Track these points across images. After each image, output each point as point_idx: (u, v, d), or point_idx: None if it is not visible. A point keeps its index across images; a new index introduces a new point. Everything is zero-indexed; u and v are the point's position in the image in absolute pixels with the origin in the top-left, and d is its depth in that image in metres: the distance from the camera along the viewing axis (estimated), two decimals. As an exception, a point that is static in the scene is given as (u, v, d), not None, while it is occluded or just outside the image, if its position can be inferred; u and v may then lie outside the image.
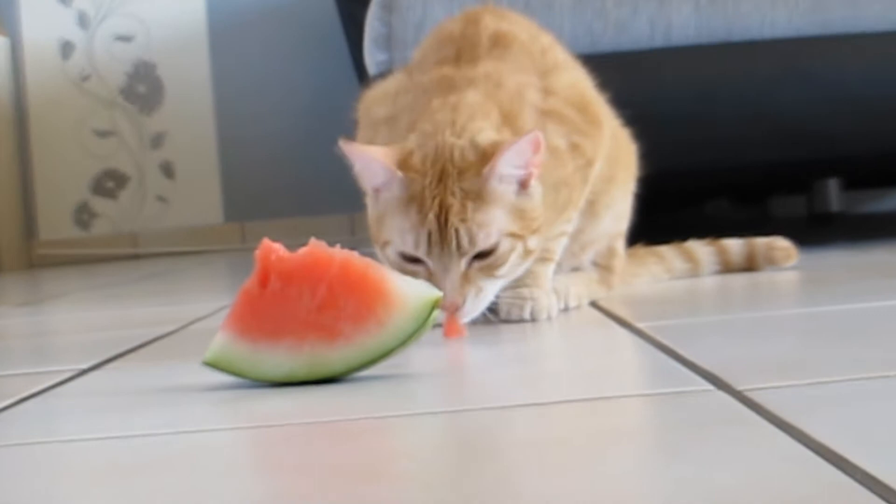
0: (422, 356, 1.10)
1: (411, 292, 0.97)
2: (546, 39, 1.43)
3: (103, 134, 3.74)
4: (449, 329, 1.17)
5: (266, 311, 0.96)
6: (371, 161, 1.20)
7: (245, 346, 0.96)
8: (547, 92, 1.35)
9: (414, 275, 1.16)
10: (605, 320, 1.25)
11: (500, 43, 1.37)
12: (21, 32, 3.70)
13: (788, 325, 1.12)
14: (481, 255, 1.19)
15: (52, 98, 3.71)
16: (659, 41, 1.92)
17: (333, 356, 0.95)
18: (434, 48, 1.40)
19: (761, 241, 1.66)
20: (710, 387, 0.82)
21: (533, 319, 1.28)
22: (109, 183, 3.74)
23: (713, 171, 2.05)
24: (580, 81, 1.41)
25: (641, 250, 1.61)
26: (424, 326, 0.96)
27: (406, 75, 1.41)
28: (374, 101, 1.40)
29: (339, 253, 0.97)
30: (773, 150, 1.96)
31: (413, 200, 1.19)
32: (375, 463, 0.68)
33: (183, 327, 1.47)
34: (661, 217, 1.64)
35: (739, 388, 0.80)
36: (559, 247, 1.36)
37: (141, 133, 3.74)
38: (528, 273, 1.29)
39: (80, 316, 1.78)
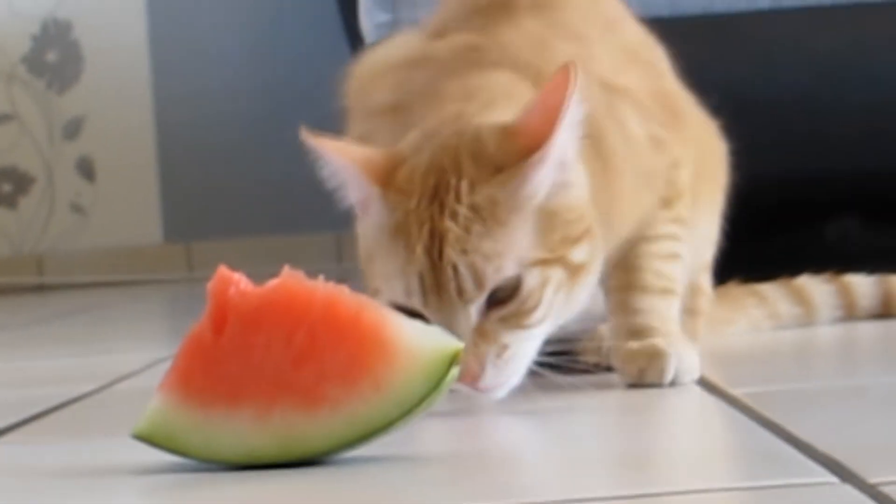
0: (433, 430, 1.10)
1: (422, 343, 0.96)
2: (612, 9, 1.42)
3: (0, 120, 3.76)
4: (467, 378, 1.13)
5: (222, 367, 0.96)
6: (343, 169, 1.17)
7: (192, 413, 0.96)
8: (618, 71, 1.34)
9: None
10: (689, 385, 1.25)
11: (544, 5, 1.37)
12: None
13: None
14: (500, 300, 1.14)
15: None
16: (764, 1, 1.93)
17: (314, 429, 0.95)
18: (457, 17, 1.39)
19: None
20: (834, 478, 0.82)
21: (675, 383, 1.24)
22: (6, 186, 3.76)
23: (837, 178, 2.05)
24: (658, 71, 1.41)
25: (736, 289, 1.61)
26: (439, 390, 0.96)
27: (420, 39, 1.39)
28: (372, 79, 1.38)
29: (323, 287, 0.98)
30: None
31: (398, 231, 1.15)
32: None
33: (105, 387, 1.48)
34: (762, 243, 1.64)
35: (871, 480, 0.80)
36: (676, 272, 1.33)
37: (50, 118, 3.76)
38: (651, 311, 1.28)
39: (-36, 369, 1.79)
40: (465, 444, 1.07)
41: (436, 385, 0.95)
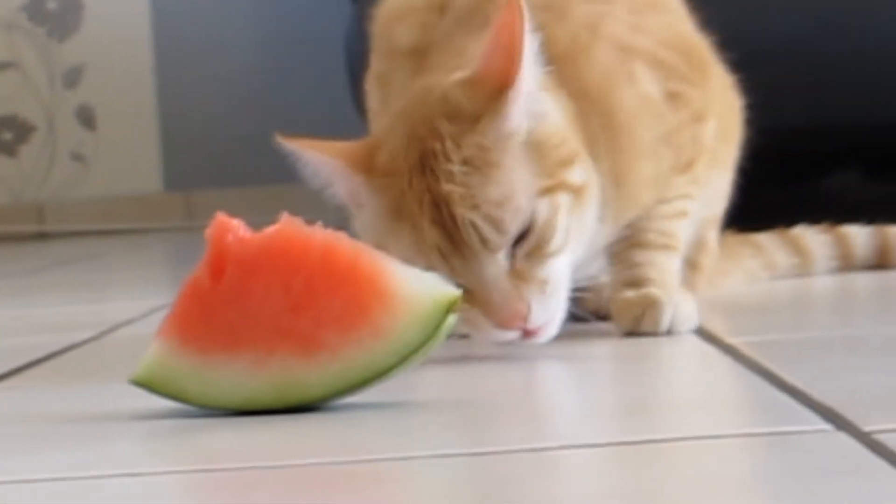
0: (431, 377, 1.10)
1: (419, 290, 0.97)
2: None
3: (0, 69, 3.75)
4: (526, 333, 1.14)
5: (220, 313, 0.96)
6: (324, 166, 1.17)
7: (190, 359, 0.96)
8: (636, 29, 1.34)
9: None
10: (686, 334, 1.26)
11: None
12: None
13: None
14: (519, 239, 1.15)
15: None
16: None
17: (311, 375, 0.96)
18: None
19: (897, 231, 1.66)
20: (828, 426, 0.82)
21: (671, 332, 1.24)
22: (7, 134, 3.76)
23: (841, 130, 2.05)
24: (680, 20, 1.41)
25: (732, 239, 1.61)
26: (436, 337, 0.96)
27: None
28: (397, 18, 1.39)
29: (321, 234, 0.98)
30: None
31: (399, 214, 1.16)
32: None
33: (104, 333, 1.48)
34: (765, 193, 1.64)
35: (866, 428, 0.80)
36: (681, 230, 1.34)
37: (51, 67, 3.75)
38: (650, 264, 1.29)
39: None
40: (462, 392, 1.07)
41: (433, 332, 0.95)
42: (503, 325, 1.13)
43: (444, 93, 1.17)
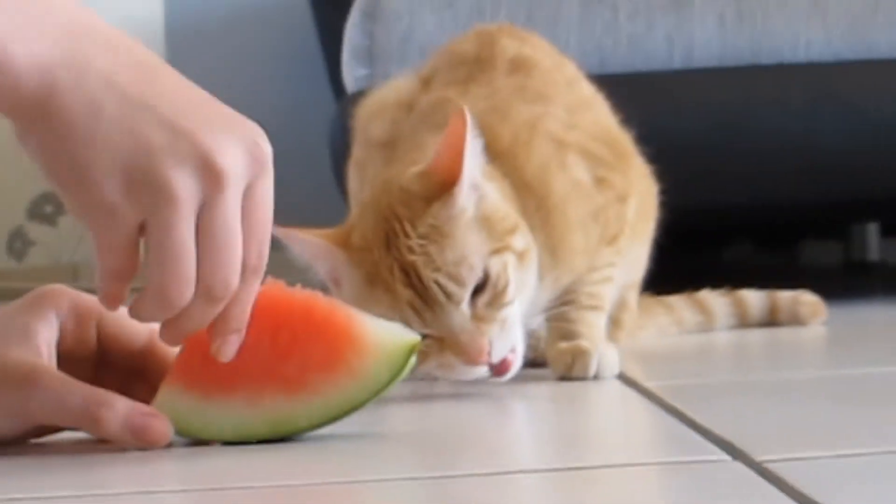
0: (398, 411, 1.10)
1: (385, 336, 0.96)
2: (571, 69, 1.45)
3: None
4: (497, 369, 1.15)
5: (217, 362, 0.95)
6: (309, 245, 1.19)
7: (194, 399, 0.96)
8: (570, 126, 1.35)
9: (429, 352, 1.15)
10: (610, 379, 1.25)
11: (520, 69, 1.38)
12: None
13: (815, 389, 1.13)
14: (477, 291, 1.16)
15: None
16: (678, 62, 1.93)
17: (297, 410, 0.95)
18: (445, 68, 1.41)
19: (785, 295, 1.67)
20: (726, 457, 0.82)
21: (597, 377, 1.24)
22: (48, 208, 3.75)
23: (736, 211, 2.05)
24: (606, 118, 1.42)
25: (648, 299, 1.62)
26: (400, 375, 0.96)
27: (414, 83, 1.41)
28: (372, 114, 1.41)
29: (300, 293, 0.98)
30: (806, 188, 1.97)
31: (374, 281, 1.17)
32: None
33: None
34: (674, 262, 1.64)
35: (758, 458, 0.80)
36: (606, 293, 1.34)
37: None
38: (581, 321, 1.28)
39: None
40: (424, 425, 1.06)
41: (398, 370, 0.95)
42: (472, 361, 1.14)
43: (401, 184, 1.19)
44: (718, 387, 1.16)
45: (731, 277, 1.70)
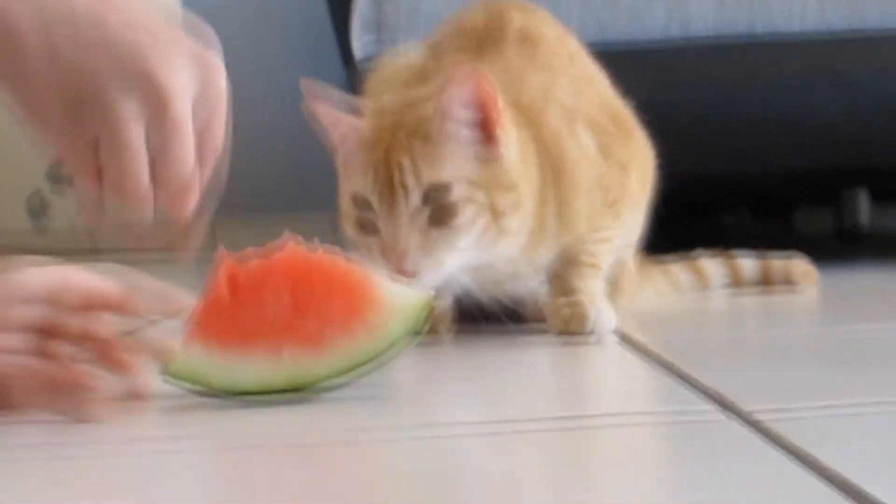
0: (405, 369, 1.11)
1: (400, 294, 0.98)
2: (573, 44, 1.45)
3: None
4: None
5: (238, 319, 0.96)
6: (335, 116, 1.22)
7: (216, 356, 0.96)
8: (577, 96, 1.36)
9: (368, 242, 1.18)
10: (606, 334, 1.26)
11: (527, 40, 1.38)
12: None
13: (805, 348, 1.14)
14: (436, 209, 1.18)
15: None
16: (675, 33, 1.94)
17: (316, 365, 0.96)
18: (454, 37, 1.42)
19: (778, 263, 1.67)
20: (718, 409, 0.83)
21: (594, 333, 1.25)
22: (66, 170, 3.75)
23: (732, 179, 2.06)
24: (608, 91, 1.43)
25: (646, 263, 1.62)
26: (416, 332, 0.97)
27: (424, 53, 1.42)
28: (385, 84, 1.41)
29: (319, 252, 0.98)
30: (800, 157, 1.97)
31: (365, 143, 1.20)
32: (349, 486, 0.69)
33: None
34: (674, 228, 1.65)
35: (749, 411, 0.81)
36: (604, 254, 1.34)
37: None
38: (579, 278, 1.29)
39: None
40: (426, 380, 1.07)
41: (413, 327, 0.96)
42: (383, 255, 1.16)
43: (425, 96, 1.23)
44: (712, 345, 1.17)
45: (728, 243, 1.70)
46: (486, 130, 1.21)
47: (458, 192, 1.18)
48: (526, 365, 1.13)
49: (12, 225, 3.73)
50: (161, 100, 0.87)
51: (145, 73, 0.87)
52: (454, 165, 1.19)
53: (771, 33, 1.94)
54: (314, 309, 0.96)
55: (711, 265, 1.65)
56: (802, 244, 1.74)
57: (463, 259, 1.20)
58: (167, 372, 0.96)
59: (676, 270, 1.64)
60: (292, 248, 0.98)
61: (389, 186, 1.18)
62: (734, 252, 1.67)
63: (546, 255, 1.29)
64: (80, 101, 0.87)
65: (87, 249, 3.71)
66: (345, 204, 1.23)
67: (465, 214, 1.18)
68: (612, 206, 1.35)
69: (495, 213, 1.20)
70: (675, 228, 1.62)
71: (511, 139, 1.23)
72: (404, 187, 1.17)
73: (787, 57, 1.94)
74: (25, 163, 3.72)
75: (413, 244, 1.17)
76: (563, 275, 1.30)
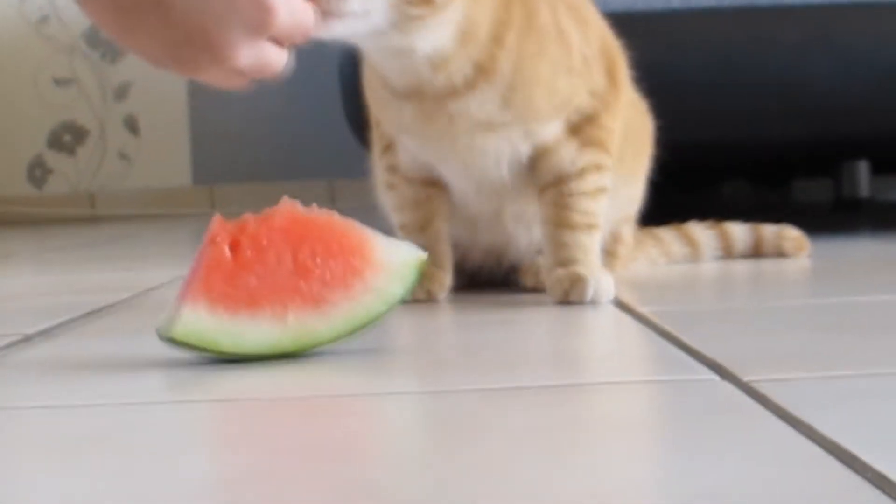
0: (403, 327, 1.11)
1: (395, 253, 1.00)
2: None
3: (62, 84, 3.73)
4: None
5: (241, 280, 0.96)
6: None
7: (221, 318, 0.96)
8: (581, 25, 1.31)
9: None
10: (605, 304, 1.26)
11: None
12: (-26, -34, 3.70)
13: (800, 316, 1.14)
14: None
15: (5, 44, 3.71)
16: (676, 3, 1.93)
17: (320, 324, 0.97)
18: None
19: (770, 229, 1.67)
20: (714, 376, 0.83)
21: (595, 302, 1.25)
22: (67, 137, 3.75)
23: (732, 148, 2.06)
24: (610, 39, 1.39)
25: (638, 232, 1.62)
26: (409, 289, 1.00)
27: None
28: None
29: (318, 214, 0.99)
30: (799, 127, 1.97)
31: None
32: (348, 442, 0.69)
33: (138, 295, 1.48)
34: (672, 197, 1.65)
35: (745, 378, 0.81)
36: (600, 208, 1.31)
37: (103, 83, 3.74)
38: (575, 245, 1.28)
39: (28, 279, 1.79)
40: (425, 342, 1.07)
41: (408, 285, 0.99)
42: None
43: None
44: (707, 313, 1.16)
45: (726, 213, 1.70)
46: None
47: None
48: (522, 329, 1.12)
49: (13, 191, 3.72)
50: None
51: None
52: None
53: (770, 2, 1.93)
54: (315, 270, 0.97)
55: (704, 235, 1.65)
56: (801, 215, 1.74)
57: (378, 19, 1.12)
58: (169, 336, 0.96)
59: (669, 239, 1.64)
60: (290, 209, 0.98)
61: None
62: (726, 222, 1.67)
63: (495, 110, 1.24)
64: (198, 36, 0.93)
65: (87, 216, 3.71)
66: None
67: None
68: (595, 146, 1.30)
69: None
70: (673, 198, 1.62)
71: None
72: None
73: (786, 25, 1.93)
74: (26, 129, 3.72)
75: None
76: (559, 239, 1.29)
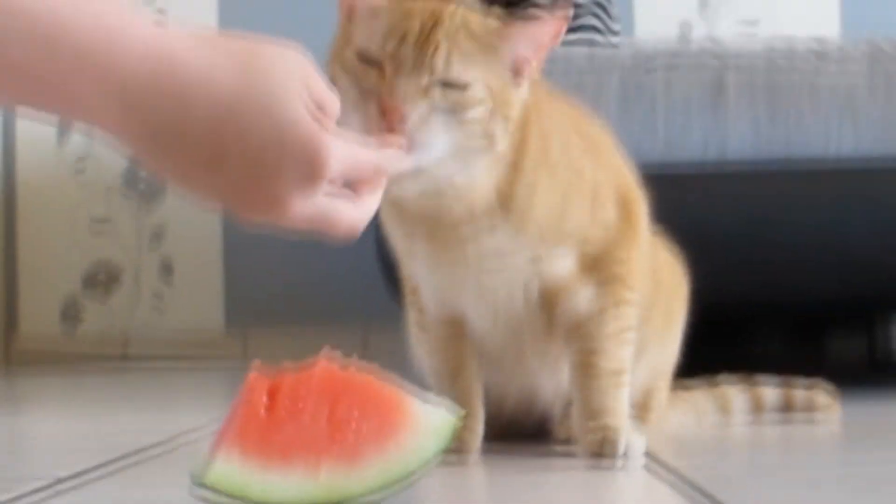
0: (433, 487, 1.11)
1: (431, 413, 1.00)
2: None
3: (99, 223, 3.77)
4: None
5: (276, 433, 0.97)
6: None
7: (253, 467, 0.96)
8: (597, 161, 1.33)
9: (363, 100, 1.14)
10: (635, 458, 1.25)
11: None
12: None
13: (833, 476, 1.13)
14: (448, 93, 1.15)
15: (43, 182, 3.76)
16: (712, 157, 1.95)
17: (353, 480, 0.97)
18: None
19: (801, 394, 1.65)
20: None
21: (626, 458, 1.24)
22: (101, 275, 3.78)
23: (765, 304, 2.06)
24: (628, 178, 1.38)
25: (671, 392, 1.60)
26: (444, 450, 0.99)
27: None
28: None
29: (357, 369, 1.00)
30: (833, 283, 1.97)
31: (400, 7, 1.18)
32: None
33: (170, 440, 1.48)
34: (703, 351, 1.65)
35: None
36: (624, 352, 1.30)
37: (140, 223, 3.78)
38: (603, 394, 1.27)
39: (59, 421, 1.79)
40: (455, 498, 1.07)
41: (443, 446, 0.99)
42: (381, 113, 1.12)
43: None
44: (739, 471, 1.16)
45: (757, 368, 1.69)
46: (523, 65, 1.20)
47: (475, 92, 1.16)
48: (552, 488, 1.12)
49: (47, 330, 3.74)
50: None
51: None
52: (484, 71, 1.17)
53: (806, 158, 1.95)
54: (351, 428, 0.97)
55: (733, 391, 1.64)
56: (834, 374, 1.73)
57: (443, 152, 1.16)
58: (203, 483, 0.96)
59: (699, 395, 1.63)
60: (328, 364, 0.99)
61: (414, 57, 1.15)
62: (757, 379, 1.66)
63: (504, 232, 1.24)
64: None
65: (119, 356, 3.73)
66: (347, 53, 1.18)
67: (475, 111, 1.16)
68: (617, 289, 1.30)
69: (495, 117, 1.18)
70: (705, 352, 1.62)
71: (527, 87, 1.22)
72: (431, 65, 1.15)
73: (822, 182, 1.95)
74: (61, 267, 3.75)
75: (416, 111, 1.13)
76: (585, 388, 1.29)
